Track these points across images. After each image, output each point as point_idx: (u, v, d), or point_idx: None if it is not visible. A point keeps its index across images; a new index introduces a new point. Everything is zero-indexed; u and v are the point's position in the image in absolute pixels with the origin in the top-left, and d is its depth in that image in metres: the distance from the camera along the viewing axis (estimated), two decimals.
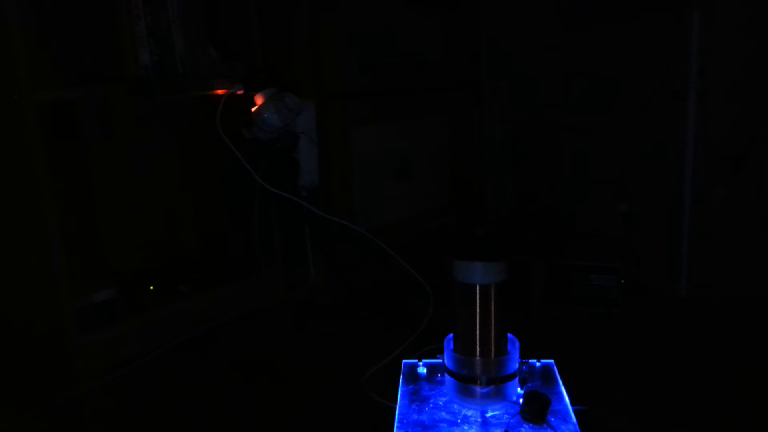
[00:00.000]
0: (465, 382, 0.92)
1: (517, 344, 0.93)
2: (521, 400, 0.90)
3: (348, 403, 1.14)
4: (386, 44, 1.70)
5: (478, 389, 0.91)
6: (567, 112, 1.81)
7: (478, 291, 0.90)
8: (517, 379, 0.94)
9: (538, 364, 1.03)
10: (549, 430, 0.87)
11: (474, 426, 0.89)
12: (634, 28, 1.60)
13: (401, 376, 1.02)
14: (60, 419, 1.14)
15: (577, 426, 0.87)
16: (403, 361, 1.06)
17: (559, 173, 1.88)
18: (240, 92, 1.47)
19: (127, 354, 1.32)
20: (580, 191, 1.82)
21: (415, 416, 0.91)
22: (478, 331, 0.91)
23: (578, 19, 1.74)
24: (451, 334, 0.95)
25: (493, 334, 0.91)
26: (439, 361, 0.98)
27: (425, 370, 1.03)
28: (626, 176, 1.67)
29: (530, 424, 0.88)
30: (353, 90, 1.63)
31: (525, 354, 0.98)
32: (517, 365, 0.93)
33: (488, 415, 0.91)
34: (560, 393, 0.95)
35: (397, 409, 0.93)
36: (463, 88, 2.00)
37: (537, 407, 0.88)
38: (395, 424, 0.90)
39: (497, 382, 0.91)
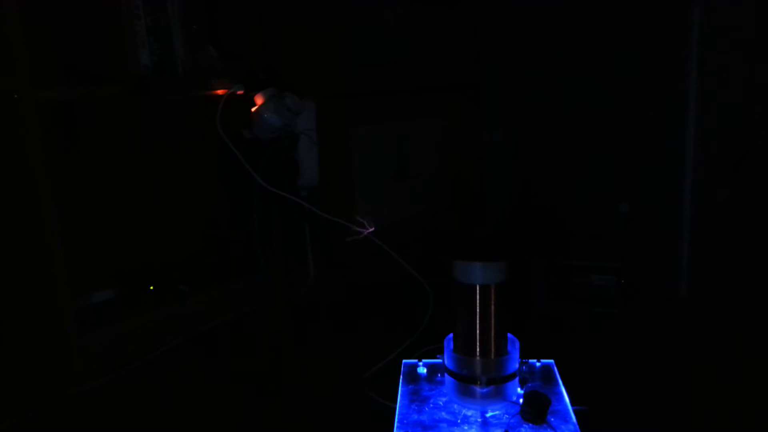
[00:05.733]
0: (465, 382, 0.92)
1: (517, 344, 0.93)
2: (521, 400, 0.90)
3: (348, 403, 1.14)
4: (386, 44, 1.70)
5: (478, 389, 0.91)
6: (567, 111, 1.81)
7: (478, 291, 0.90)
8: (517, 379, 0.94)
9: (538, 364, 1.03)
10: (549, 430, 0.87)
11: (474, 426, 0.89)
12: (634, 27, 1.60)
13: (401, 376, 1.02)
14: (60, 419, 1.14)
15: (577, 426, 0.87)
16: (403, 361, 1.06)
17: (559, 173, 1.88)
18: (240, 92, 1.47)
19: (127, 354, 1.32)
20: (580, 191, 1.82)
21: (415, 416, 0.91)
22: (478, 331, 0.91)
23: (578, 17, 1.74)
24: (451, 334, 0.95)
25: (493, 334, 0.91)
26: (439, 361, 0.98)
27: (425, 370, 1.03)
28: (626, 176, 1.67)
29: (530, 424, 0.88)
30: (353, 90, 1.63)
31: (525, 354, 0.98)
32: (517, 365, 0.93)
33: (488, 415, 0.91)
34: (560, 393, 0.95)
35: (397, 409, 0.93)
36: (463, 88, 2.00)
37: (537, 407, 0.88)
38: (395, 424, 0.90)
39: (497, 382, 0.91)
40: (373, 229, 1.02)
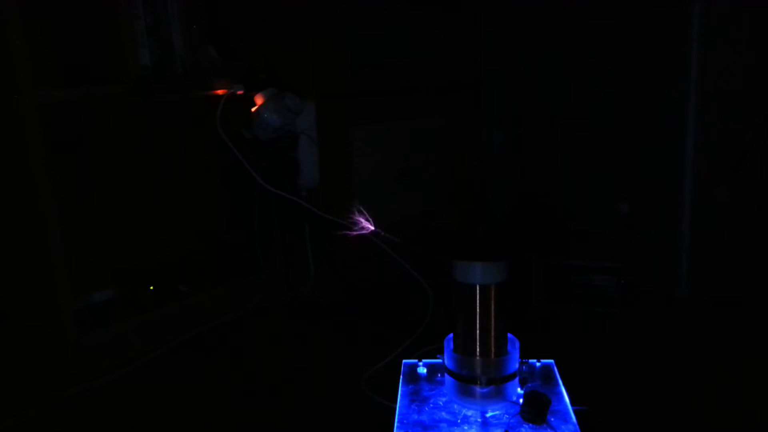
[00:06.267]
0: (465, 382, 0.91)
1: (517, 344, 0.93)
2: (521, 400, 0.90)
3: (348, 403, 1.14)
4: (386, 44, 1.70)
5: (478, 389, 0.91)
6: (567, 111, 1.81)
7: (478, 291, 0.90)
8: (517, 379, 0.93)
9: (538, 364, 1.03)
10: (549, 430, 0.87)
11: (474, 426, 0.89)
12: (634, 26, 1.60)
13: (401, 376, 1.02)
14: (60, 419, 1.14)
15: (577, 426, 0.87)
16: (403, 361, 1.06)
17: (559, 173, 1.88)
18: (240, 92, 1.47)
19: (127, 354, 1.32)
20: (580, 191, 1.82)
21: (415, 416, 0.91)
22: (478, 331, 0.91)
23: (578, 16, 1.74)
24: (451, 334, 0.95)
25: (493, 334, 0.91)
26: (439, 361, 0.98)
27: (425, 370, 1.03)
28: (626, 176, 1.67)
29: (530, 424, 0.88)
30: (353, 90, 1.63)
31: (525, 354, 0.97)
32: (517, 365, 0.93)
33: (488, 415, 0.91)
34: (560, 393, 0.95)
35: (397, 409, 0.93)
36: (463, 88, 2.00)
37: (537, 407, 0.88)
38: (395, 424, 0.89)
39: (497, 382, 0.91)
40: (372, 228, 1.01)
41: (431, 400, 0.95)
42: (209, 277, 1.56)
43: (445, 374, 0.95)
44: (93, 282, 1.46)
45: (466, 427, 0.89)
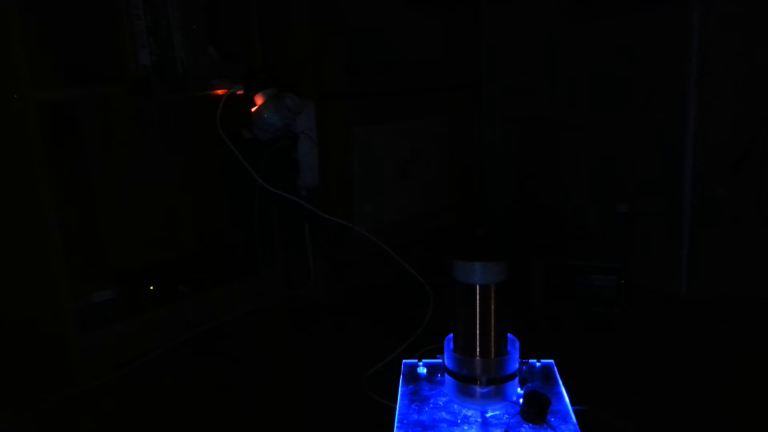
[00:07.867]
0: (465, 382, 0.92)
1: (517, 344, 0.93)
2: (521, 400, 0.90)
3: (348, 403, 1.14)
4: (386, 44, 1.70)
5: (478, 389, 0.91)
6: (567, 111, 1.81)
7: (478, 291, 0.90)
8: (517, 379, 0.94)
9: (538, 364, 1.03)
10: (549, 430, 0.87)
11: (474, 426, 0.89)
12: (634, 26, 1.60)
13: (401, 376, 1.02)
14: (60, 420, 1.14)
15: (577, 426, 0.87)
16: (403, 361, 1.06)
17: (559, 173, 1.88)
18: (240, 92, 1.47)
19: (127, 354, 1.32)
20: (580, 191, 1.82)
21: (415, 416, 0.91)
22: (478, 331, 0.91)
23: (578, 16, 1.74)
24: (451, 334, 0.95)
25: (493, 334, 0.91)
26: (439, 361, 0.98)
27: (425, 370, 1.03)
28: (626, 176, 1.67)
29: (530, 424, 0.88)
30: (353, 90, 1.63)
31: (525, 354, 0.98)
32: (517, 365, 0.93)
33: (488, 415, 0.91)
34: (560, 393, 0.95)
35: (397, 409, 0.93)
36: (463, 88, 2.00)
37: (537, 407, 0.88)
38: (395, 424, 0.90)
39: (497, 382, 0.91)
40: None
41: (431, 400, 0.95)
42: (209, 277, 1.56)
43: (445, 374, 0.95)
44: (93, 282, 1.46)
45: (466, 427, 0.89)
